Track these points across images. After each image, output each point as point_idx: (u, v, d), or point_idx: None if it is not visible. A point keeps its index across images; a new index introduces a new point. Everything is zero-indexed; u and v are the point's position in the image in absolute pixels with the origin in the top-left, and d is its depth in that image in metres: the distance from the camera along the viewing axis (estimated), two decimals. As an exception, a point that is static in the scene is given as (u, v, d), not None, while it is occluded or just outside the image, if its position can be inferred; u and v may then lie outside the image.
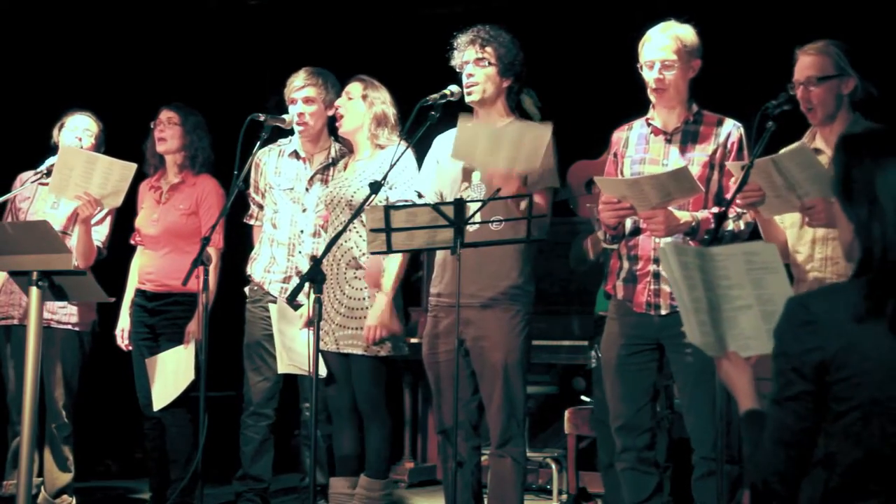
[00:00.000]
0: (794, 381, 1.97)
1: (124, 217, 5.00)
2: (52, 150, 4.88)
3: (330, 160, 4.64)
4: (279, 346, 4.36)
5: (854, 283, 1.96)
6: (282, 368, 4.37)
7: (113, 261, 5.02)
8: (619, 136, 3.88)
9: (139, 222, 4.95)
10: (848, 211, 2.00)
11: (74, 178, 4.52)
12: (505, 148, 3.67)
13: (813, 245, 3.51)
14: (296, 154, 4.70)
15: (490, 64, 3.93)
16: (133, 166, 4.57)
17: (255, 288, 4.69)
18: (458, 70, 3.99)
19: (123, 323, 4.95)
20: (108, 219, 4.93)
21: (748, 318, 2.34)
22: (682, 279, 2.32)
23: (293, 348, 4.31)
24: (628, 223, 3.73)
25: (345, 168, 4.46)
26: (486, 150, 3.69)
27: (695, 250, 2.38)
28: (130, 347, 4.90)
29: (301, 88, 4.57)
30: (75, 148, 4.75)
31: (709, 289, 2.33)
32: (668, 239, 3.61)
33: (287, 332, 4.34)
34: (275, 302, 4.50)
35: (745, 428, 2.15)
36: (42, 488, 4.85)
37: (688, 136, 3.71)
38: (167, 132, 4.87)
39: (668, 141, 3.73)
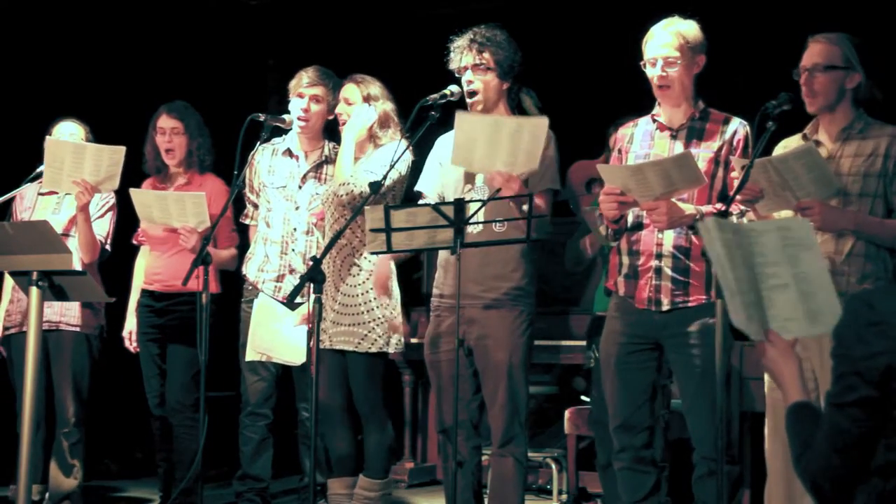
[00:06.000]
0: (856, 385, 1.83)
1: (126, 218, 4.99)
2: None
3: (323, 158, 4.67)
4: (250, 336, 4.44)
5: None
6: (249, 356, 4.47)
7: (116, 262, 5.01)
8: (623, 132, 3.86)
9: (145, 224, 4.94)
10: None
11: (66, 169, 4.51)
12: (504, 146, 3.65)
13: None
14: (289, 152, 4.70)
15: (489, 69, 3.93)
16: (122, 149, 4.54)
17: (250, 287, 4.70)
18: (457, 74, 4.00)
19: (130, 325, 4.93)
20: (109, 215, 4.91)
21: (785, 299, 2.22)
22: (725, 257, 2.21)
23: (268, 338, 4.38)
24: (630, 217, 3.72)
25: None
26: (485, 151, 3.67)
27: (732, 225, 2.30)
28: (138, 349, 4.90)
29: (311, 86, 4.58)
30: (61, 140, 4.71)
31: (748, 266, 2.22)
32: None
33: (268, 324, 4.37)
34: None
35: (790, 422, 2.03)
36: (46, 494, 4.83)
37: (693, 133, 3.70)
38: (174, 142, 4.85)
39: (674, 137, 3.72)
